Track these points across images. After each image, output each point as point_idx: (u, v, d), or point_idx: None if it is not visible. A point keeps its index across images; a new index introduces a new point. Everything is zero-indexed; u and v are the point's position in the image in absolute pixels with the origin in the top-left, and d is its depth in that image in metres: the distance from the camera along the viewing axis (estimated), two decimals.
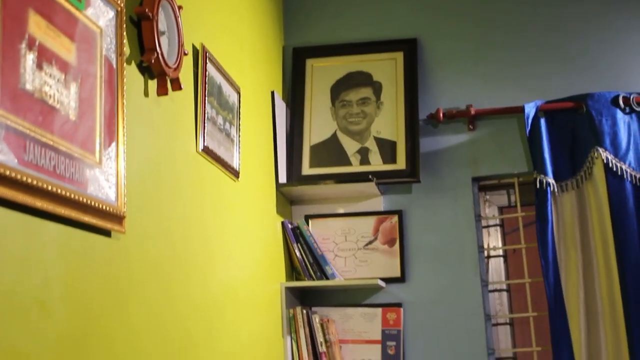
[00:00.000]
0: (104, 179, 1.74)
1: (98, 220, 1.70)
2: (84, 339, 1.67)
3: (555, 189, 3.51)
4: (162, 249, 2.15)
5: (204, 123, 2.50)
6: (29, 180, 1.43)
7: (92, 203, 1.66)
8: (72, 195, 1.58)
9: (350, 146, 3.70)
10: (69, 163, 1.60)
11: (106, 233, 1.79)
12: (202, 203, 2.53)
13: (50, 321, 1.54)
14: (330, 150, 3.71)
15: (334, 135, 3.73)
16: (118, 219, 1.79)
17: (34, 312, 1.49)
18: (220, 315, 2.62)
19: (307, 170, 3.67)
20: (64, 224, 1.61)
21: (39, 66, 1.52)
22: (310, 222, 3.69)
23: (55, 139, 1.55)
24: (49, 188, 1.50)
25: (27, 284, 1.48)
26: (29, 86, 1.48)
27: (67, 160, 1.59)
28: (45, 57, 1.54)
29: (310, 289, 3.62)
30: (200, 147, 2.48)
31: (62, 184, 1.55)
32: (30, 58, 1.48)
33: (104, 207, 1.72)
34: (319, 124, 3.75)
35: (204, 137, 2.50)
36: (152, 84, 2.17)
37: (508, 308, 3.80)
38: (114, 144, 1.81)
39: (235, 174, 2.84)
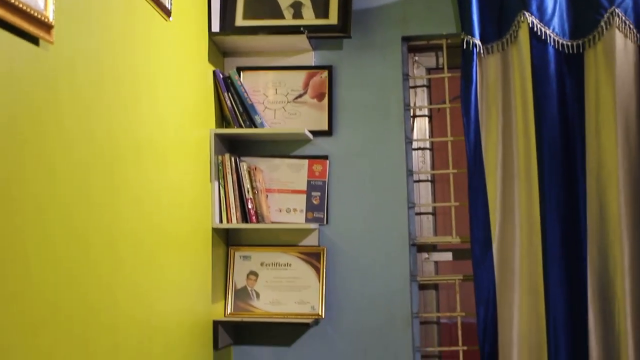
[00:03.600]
0: None
1: (26, 25, 1.74)
2: (13, 134, 1.74)
3: (481, 51, 3.61)
4: (90, 71, 2.19)
5: None
6: None
7: (20, 5, 1.70)
8: None
9: (283, 0, 3.73)
10: None
11: (34, 40, 1.83)
12: (132, 36, 2.56)
13: None
14: (264, 3, 3.73)
15: None
16: (46, 27, 1.83)
17: None
18: (149, 153, 2.70)
19: (240, 21, 3.69)
20: None
21: None
22: (241, 74, 3.73)
23: None
24: None
25: None
26: None
27: None
28: None
29: (239, 139, 3.70)
30: None
31: None
32: None
33: (32, 12, 1.75)
34: None
35: None
36: None
37: (430, 165, 3.95)
38: None
39: (167, 12, 2.86)
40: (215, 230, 3.49)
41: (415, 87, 3.95)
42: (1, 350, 1.74)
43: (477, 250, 3.54)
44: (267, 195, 3.67)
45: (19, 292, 1.83)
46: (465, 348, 3.68)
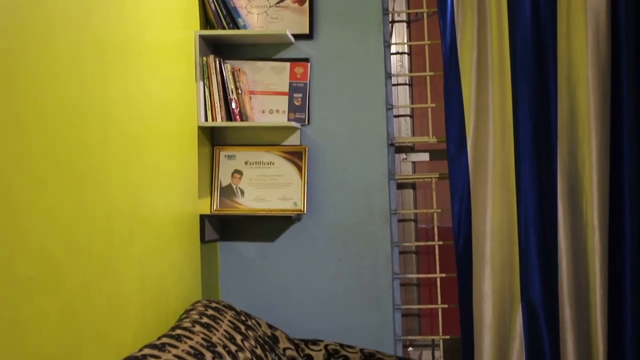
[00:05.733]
0: None
1: None
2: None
3: None
4: None
5: None
6: None
7: None
8: None
9: None
10: None
11: None
12: None
13: None
14: None
15: None
16: None
17: None
18: (137, 50, 2.84)
19: None
20: None
21: None
22: None
23: None
24: None
25: None
26: None
27: None
28: None
29: (223, 42, 3.80)
30: None
31: None
32: None
33: None
34: None
35: None
36: None
37: (408, 69, 4.07)
38: None
39: None
40: (201, 129, 3.61)
41: None
42: None
43: (453, 147, 3.68)
44: (250, 97, 3.79)
45: (24, 184, 1.98)
46: (440, 243, 3.86)
